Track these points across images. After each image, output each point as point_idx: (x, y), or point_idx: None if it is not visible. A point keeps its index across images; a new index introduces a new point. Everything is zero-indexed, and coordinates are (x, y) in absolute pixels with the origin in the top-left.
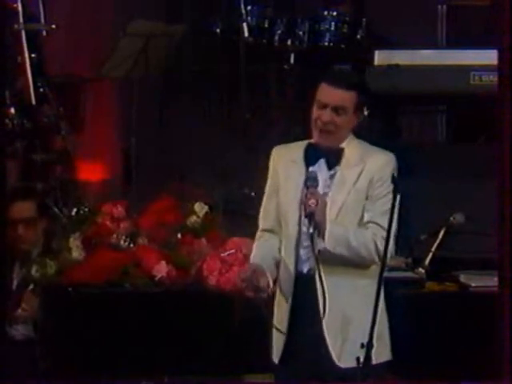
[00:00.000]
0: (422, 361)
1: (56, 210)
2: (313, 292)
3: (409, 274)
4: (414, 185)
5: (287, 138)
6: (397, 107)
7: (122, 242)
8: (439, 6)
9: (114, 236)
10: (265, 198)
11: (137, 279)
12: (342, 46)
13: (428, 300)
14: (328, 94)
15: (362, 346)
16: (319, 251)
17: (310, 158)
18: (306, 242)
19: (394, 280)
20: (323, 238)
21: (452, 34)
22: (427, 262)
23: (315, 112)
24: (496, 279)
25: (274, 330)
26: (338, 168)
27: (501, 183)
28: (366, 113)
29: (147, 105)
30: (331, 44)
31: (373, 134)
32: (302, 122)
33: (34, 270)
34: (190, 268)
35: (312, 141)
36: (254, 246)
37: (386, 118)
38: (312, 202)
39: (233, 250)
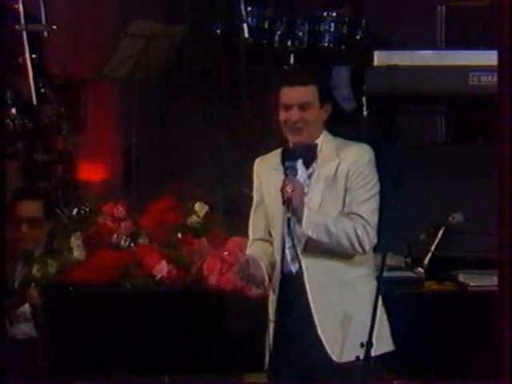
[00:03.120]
0: (421, 360)
1: (57, 209)
2: (298, 291)
3: (408, 274)
4: (413, 184)
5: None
6: (396, 108)
7: (122, 242)
8: (438, 7)
9: (115, 236)
10: (252, 211)
11: (137, 279)
12: (342, 46)
13: (427, 299)
14: (290, 94)
15: (362, 345)
16: (305, 245)
17: (287, 163)
18: (289, 243)
19: (394, 279)
20: (301, 224)
21: (451, 35)
22: (426, 261)
23: (282, 115)
24: (495, 278)
25: (269, 330)
26: (315, 165)
27: (501, 183)
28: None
29: (148, 105)
30: (331, 45)
31: (372, 134)
32: None
33: (35, 270)
34: (190, 267)
35: (288, 145)
36: (247, 250)
37: (385, 118)
38: (289, 187)
39: (226, 253)
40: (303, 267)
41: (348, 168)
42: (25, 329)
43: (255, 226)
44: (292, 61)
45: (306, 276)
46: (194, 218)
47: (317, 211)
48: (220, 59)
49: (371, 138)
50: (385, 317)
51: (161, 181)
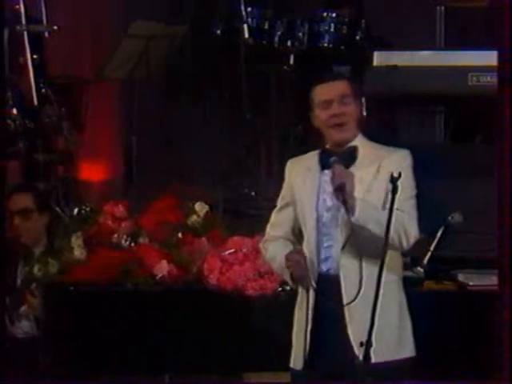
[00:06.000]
0: (419, 360)
1: (58, 209)
2: (333, 291)
3: (407, 273)
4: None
5: (287, 138)
6: (395, 108)
7: (123, 242)
8: (438, 8)
9: (116, 235)
10: (275, 212)
11: (138, 278)
12: (342, 47)
13: (426, 299)
14: (326, 90)
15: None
16: (346, 243)
17: (325, 162)
18: (327, 242)
19: None
20: (353, 213)
21: (450, 35)
22: (426, 261)
23: (322, 114)
24: (494, 278)
25: (294, 335)
26: (353, 168)
27: (500, 183)
28: (364, 113)
29: (148, 105)
30: (330, 45)
31: (371, 134)
32: (302, 122)
33: (36, 269)
34: (190, 267)
35: (326, 146)
36: (270, 246)
37: (384, 118)
38: (342, 174)
39: (233, 249)
40: (339, 267)
41: (390, 171)
42: (26, 328)
43: (278, 224)
44: (292, 61)
45: (342, 276)
46: (194, 218)
47: (367, 201)
48: (220, 60)
49: (370, 139)
50: (409, 321)
51: (161, 181)
